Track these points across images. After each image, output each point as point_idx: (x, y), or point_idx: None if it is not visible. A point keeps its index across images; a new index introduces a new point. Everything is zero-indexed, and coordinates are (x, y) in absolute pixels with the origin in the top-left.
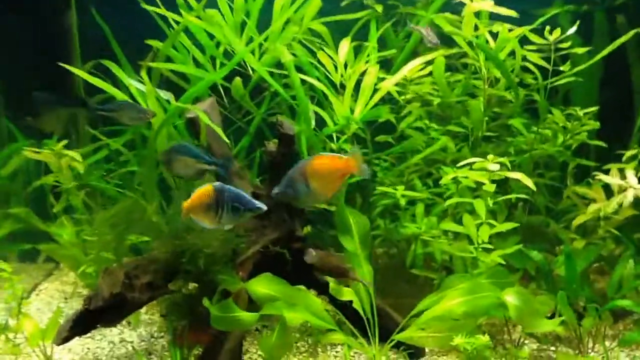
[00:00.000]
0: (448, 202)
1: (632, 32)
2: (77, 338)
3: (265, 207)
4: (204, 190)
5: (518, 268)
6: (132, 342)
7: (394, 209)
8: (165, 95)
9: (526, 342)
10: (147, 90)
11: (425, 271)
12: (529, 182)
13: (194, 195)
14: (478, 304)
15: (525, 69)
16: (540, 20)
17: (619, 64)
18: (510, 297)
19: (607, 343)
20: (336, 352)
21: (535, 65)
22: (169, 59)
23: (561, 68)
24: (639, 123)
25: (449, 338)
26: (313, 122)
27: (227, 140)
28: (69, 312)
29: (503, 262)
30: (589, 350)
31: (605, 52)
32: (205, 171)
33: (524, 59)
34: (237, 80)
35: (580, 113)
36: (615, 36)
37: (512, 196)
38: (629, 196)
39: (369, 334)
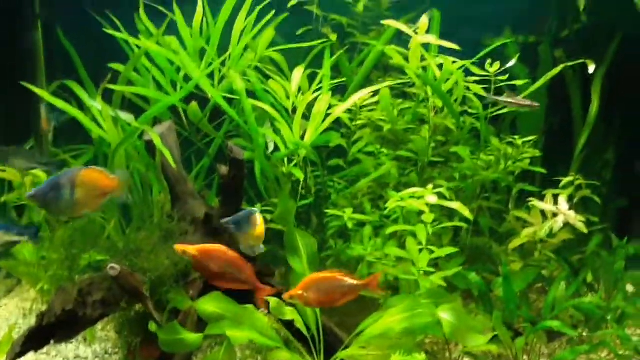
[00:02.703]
0: (390, 228)
1: (561, 66)
2: (32, 354)
3: None
4: None
5: (461, 288)
6: (86, 358)
7: (347, 230)
8: (125, 116)
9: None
10: (103, 113)
11: (370, 291)
12: (465, 211)
13: None
14: (416, 322)
15: (471, 99)
16: (486, 50)
17: (562, 94)
18: (445, 314)
19: None
20: None
21: (477, 95)
22: (130, 82)
23: (500, 99)
24: (578, 150)
25: (388, 356)
26: (272, 146)
27: (174, 165)
28: (24, 329)
29: (444, 284)
30: None
31: (539, 84)
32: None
33: (469, 89)
34: (193, 104)
35: (519, 142)
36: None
37: (452, 224)
38: (559, 221)
39: (314, 352)
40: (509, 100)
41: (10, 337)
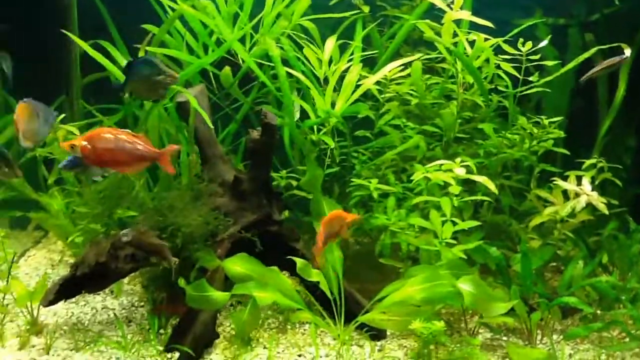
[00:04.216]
0: (416, 199)
1: (593, 50)
2: (62, 303)
3: None
4: None
5: (479, 262)
6: (113, 309)
7: (368, 201)
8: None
9: (481, 331)
10: None
11: (392, 260)
12: (491, 185)
13: None
14: (436, 291)
15: (500, 77)
16: (517, 30)
17: (589, 78)
18: (465, 285)
19: (555, 336)
20: (304, 330)
21: (507, 73)
22: (163, 44)
23: (530, 78)
24: (601, 134)
25: (407, 322)
26: (298, 114)
27: (212, 126)
28: (55, 279)
29: (464, 257)
30: (538, 343)
31: (569, 67)
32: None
33: (499, 66)
34: (227, 69)
35: (546, 122)
36: (586, 51)
37: (477, 198)
38: (582, 202)
39: (335, 315)
40: (600, 67)
41: (43, 285)
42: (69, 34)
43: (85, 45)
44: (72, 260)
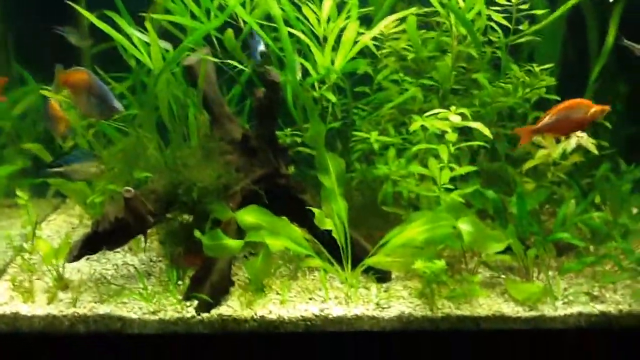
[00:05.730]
0: (415, 147)
1: None
2: (84, 261)
3: None
4: None
5: (477, 206)
6: (133, 264)
7: (370, 154)
8: (164, 44)
9: (480, 270)
10: (150, 40)
11: (394, 208)
12: (486, 130)
13: None
14: (436, 232)
15: (493, 29)
16: None
17: (579, 26)
18: (464, 225)
19: (550, 273)
20: (314, 276)
21: (499, 25)
22: (167, 11)
23: (521, 27)
24: (591, 81)
25: (411, 263)
26: (299, 73)
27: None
28: (77, 238)
29: (463, 201)
30: (535, 278)
31: (556, 14)
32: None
33: (491, 18)
34: (229, 31)
35: (537, 69)
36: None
37: (473, 143)
38: (572, 143)
39: (343, 261)
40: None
41: (67, 243)
42: (76, 6)
43: (92, 17)
44: (89, 223)
